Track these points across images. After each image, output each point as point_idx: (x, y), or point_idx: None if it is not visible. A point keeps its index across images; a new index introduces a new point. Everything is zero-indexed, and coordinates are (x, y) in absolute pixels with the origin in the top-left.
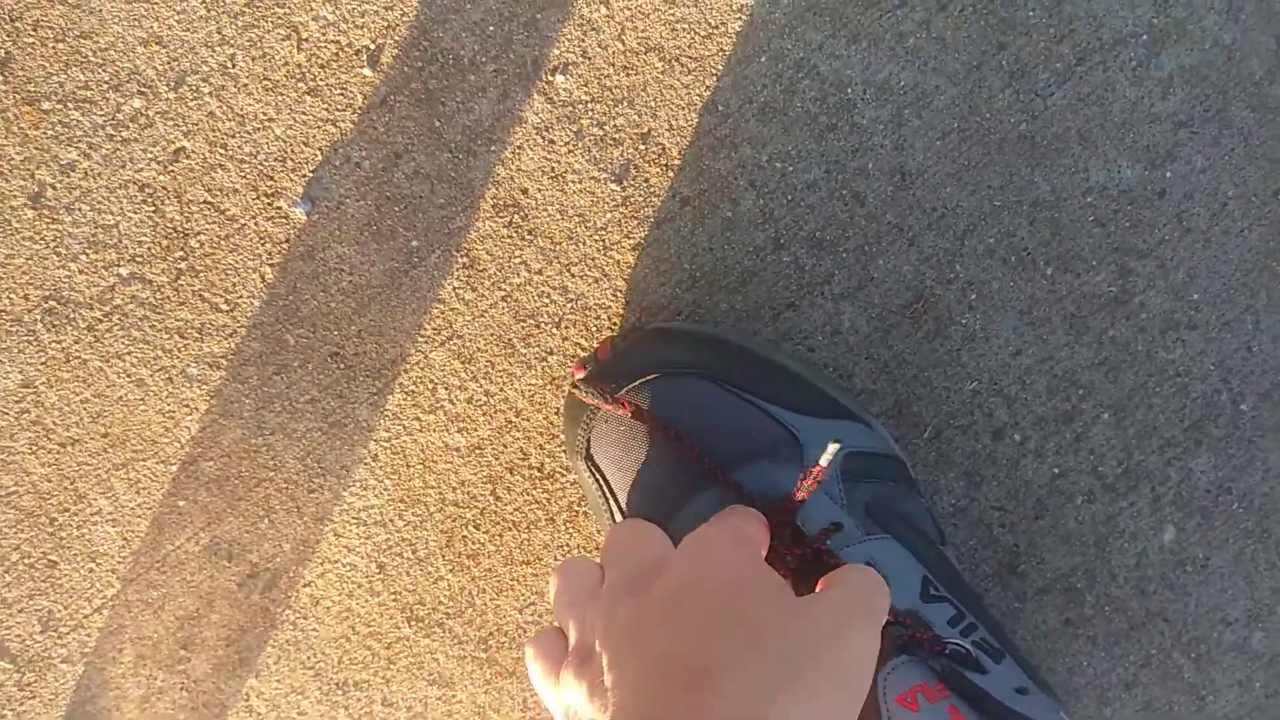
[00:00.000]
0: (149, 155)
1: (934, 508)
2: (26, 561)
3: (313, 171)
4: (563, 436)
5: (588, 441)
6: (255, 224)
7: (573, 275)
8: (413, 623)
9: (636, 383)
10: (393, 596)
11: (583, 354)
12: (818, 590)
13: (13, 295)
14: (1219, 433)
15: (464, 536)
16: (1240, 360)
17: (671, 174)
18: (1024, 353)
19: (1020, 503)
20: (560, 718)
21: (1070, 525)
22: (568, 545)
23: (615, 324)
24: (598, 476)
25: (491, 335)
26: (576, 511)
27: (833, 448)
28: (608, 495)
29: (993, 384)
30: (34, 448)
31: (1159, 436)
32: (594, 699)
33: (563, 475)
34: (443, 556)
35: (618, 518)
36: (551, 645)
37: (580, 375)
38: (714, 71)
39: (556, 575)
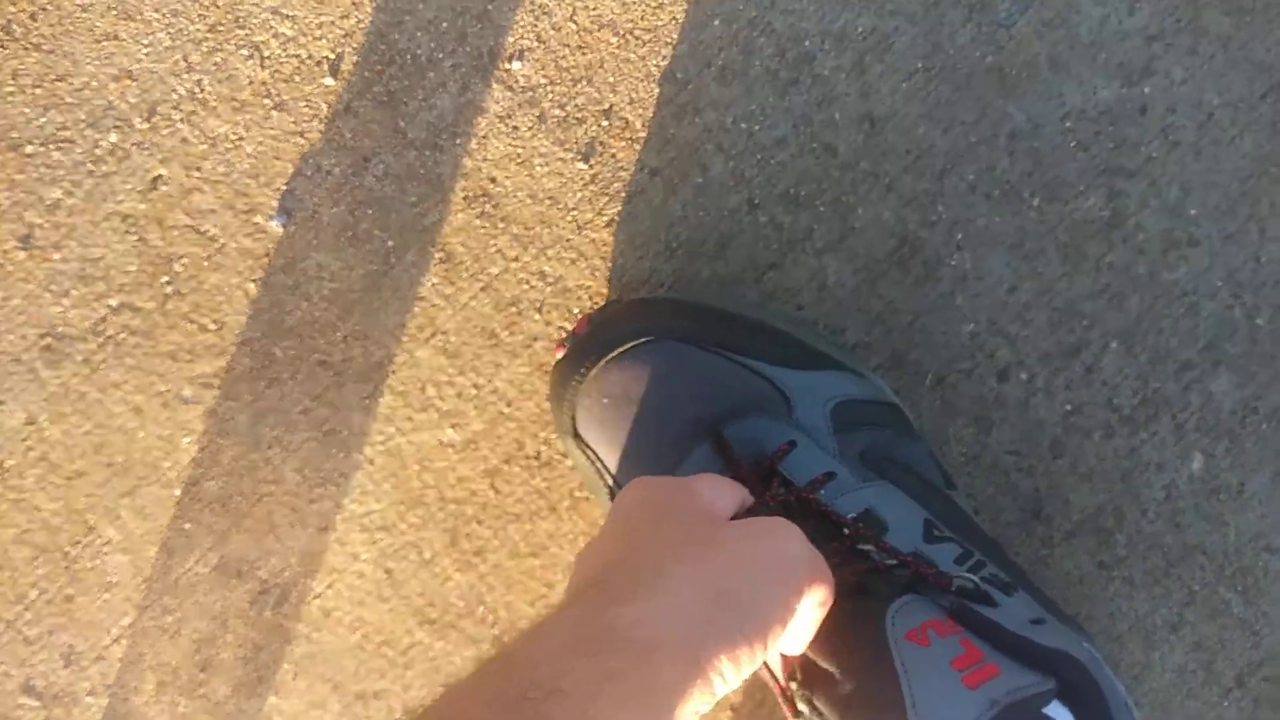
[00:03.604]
0: (128, 186)
1: (944, 457)
2: (45, 598)
3: (286, 184)
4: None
5: (573, 419)
6: (235, 242)
7: (549, 258)
8: (425, 626)
9: (614, 353)
10: (403, 601)
11: (563, 335)
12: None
13: (11, 336)
14: (1237, 351)
15: (468, 534)
16: (1250, 273)
17: (637, 147)
18: (1020, 288)
19: (1035, 444)
20: None
21: (1091, 462)
22: (573, 533)
23: (597, 303)
24: (589, 453)
25: (475, 327)
26: (578, 498)
27: None
28: (601, 471)
29: (991, 323)
30: (42, 483)
31: (1174, 360)
32: None
33: (560, 462)
34: (449, 556)
35: (614, 491)
36: None
37: (560, 354)
38: (669, 41)
39: None
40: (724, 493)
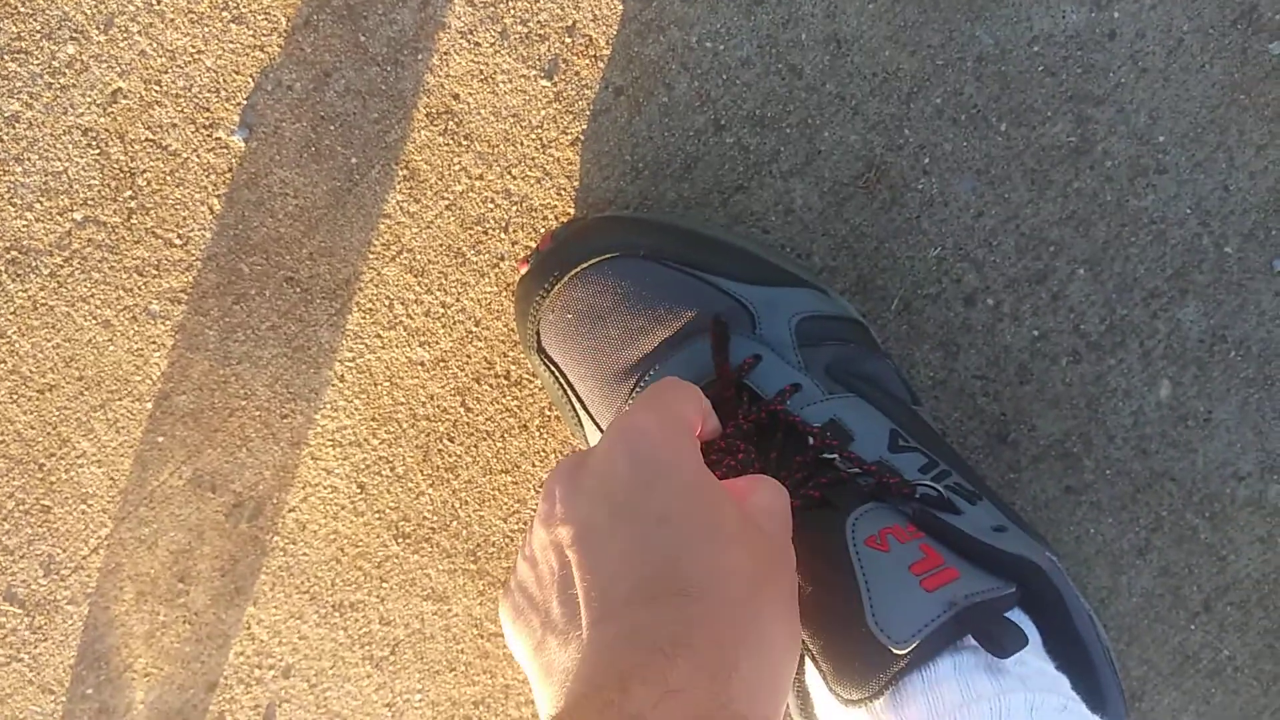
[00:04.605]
0: (88, 99)
1: (911, 380)
2: (22, 509)
3: (246, 99)
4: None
5: (538, 334)
6: (197, 156)
7: (514, 177)
8: (400, 540)
9: (578, 268)
10: (377, 515)
11: (528, 252)
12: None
13: None
14: (1204, 279)
15: (440, 450)
16: (1218, 201)
17: (601, 64)
18: (986, 213)
19: (1002, 369)
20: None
21: (1058, 388)
22: (543, 450)
23: (563, 223)
24: (553, 368)
25: (440, 246)
26: (549, 416)
27: None
28: (565, 386)
29: (958, 249)
30: (14, 396)
31: (1141, 288)
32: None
33: (530, 381)
34: (421, 471)
35: (577, 408)
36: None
37: (525, 270)
38: None
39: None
40: (697, 408)
